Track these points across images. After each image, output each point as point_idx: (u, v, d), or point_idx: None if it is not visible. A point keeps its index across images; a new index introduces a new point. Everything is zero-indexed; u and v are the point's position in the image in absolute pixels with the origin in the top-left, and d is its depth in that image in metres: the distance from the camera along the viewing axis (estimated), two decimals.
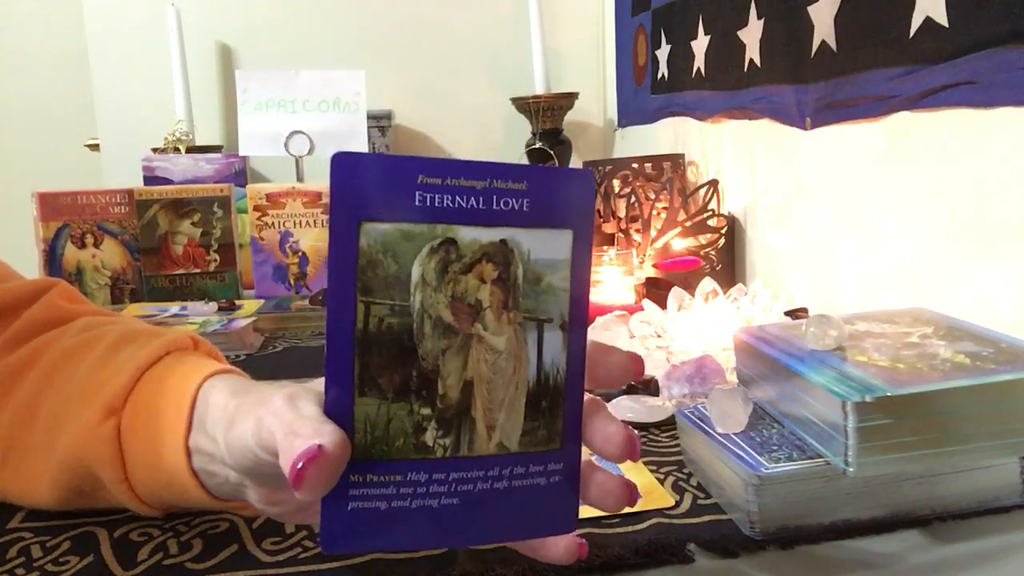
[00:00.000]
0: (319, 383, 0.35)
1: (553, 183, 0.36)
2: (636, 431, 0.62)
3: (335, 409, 0.34)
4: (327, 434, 0.32)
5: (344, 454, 0.33)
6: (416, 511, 0.35)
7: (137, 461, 0.44)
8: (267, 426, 0.35)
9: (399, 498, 0.34)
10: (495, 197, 0.34)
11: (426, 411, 0.35)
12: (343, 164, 0.32)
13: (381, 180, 0.33)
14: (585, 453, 0.38)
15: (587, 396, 0.38)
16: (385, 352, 0.34)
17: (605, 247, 1.06)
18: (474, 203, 0.34)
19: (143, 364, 0.46)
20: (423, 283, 0.34)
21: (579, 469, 0.38)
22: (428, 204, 0.33)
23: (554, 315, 0.36)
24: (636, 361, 0.39)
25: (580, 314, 0.37)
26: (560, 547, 0.39)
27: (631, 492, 0.38)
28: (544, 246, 0.36)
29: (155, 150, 1.56)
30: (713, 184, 1.09)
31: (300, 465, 0.31)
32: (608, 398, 0.66)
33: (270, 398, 0.36)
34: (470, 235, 0.34)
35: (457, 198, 0.34)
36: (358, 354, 0.33)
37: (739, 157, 1.11)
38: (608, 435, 0.37)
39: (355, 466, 0.34)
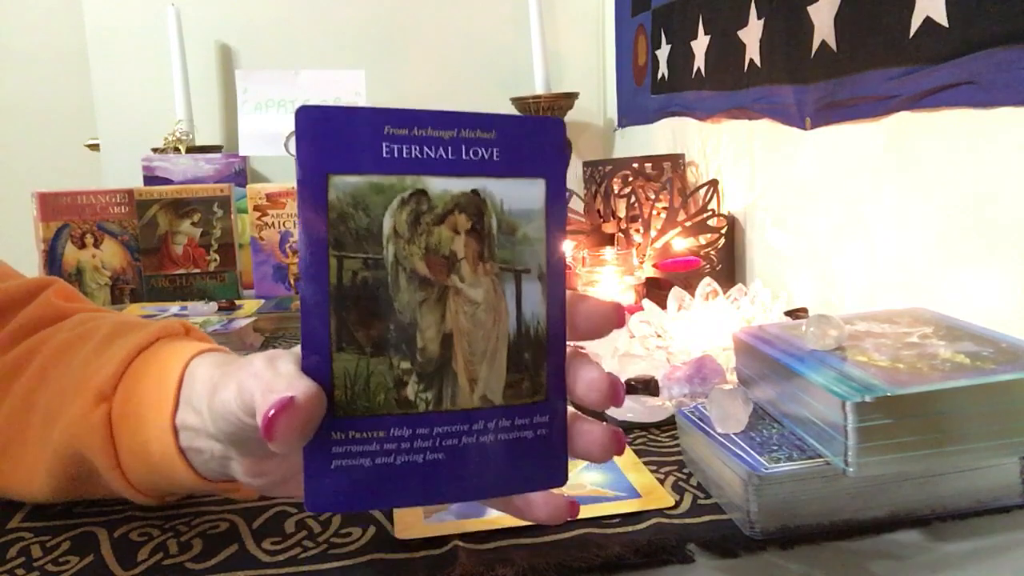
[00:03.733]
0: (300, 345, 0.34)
1: (522, 131, 0.35)
2: (636, 430, 0.62)
3: (313, 366, 0.33)
4: (301, 387, 0.32)
5: (318, 406, 0.32)
6: (401, 467, 0.34)
7: (128, 446, 0.44)
8: (247, 388, 0.35)
9: (383, 455, 0.34)
10: (464, 147, 0.34)
11: (406, 365, 0.34)
12: (308, 117, 0.32)
13: (347, 132, 0.32)
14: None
15: (569, 347, 0.37)
16: (361, 306, 0.33)
17: (605, 247, 1.06)
18: (443, 153, 0.34)
19: (133, 351, 0.46)
20: (395, 235, 0.34)
21: (565, 421, 0.37)
22: (396, 155, 0.33)
23: (531, 266, 0.36)
24: (617, 310, 0.38)
25: (558, 264, 0.36)
26: (549, 507, 0.38)
27: (619, 440, 0.38)
28: (517, 196, 0.35)
29: (155, 150, 1.56)
30: (713, 184, 1.09)
31: (271, 414, 0.31)
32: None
33: (251, 363, 0.36)
34: (441, 186, 0.34)
35: (425, 148, 0.33)
36: (333, 309, 0.33)
37: (739, 157, 1.11)
38: (591, 381, 0.36)
39: (337, 423, 0.33)
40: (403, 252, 0.34)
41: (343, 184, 0.33)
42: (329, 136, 0.32)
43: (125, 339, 0.48)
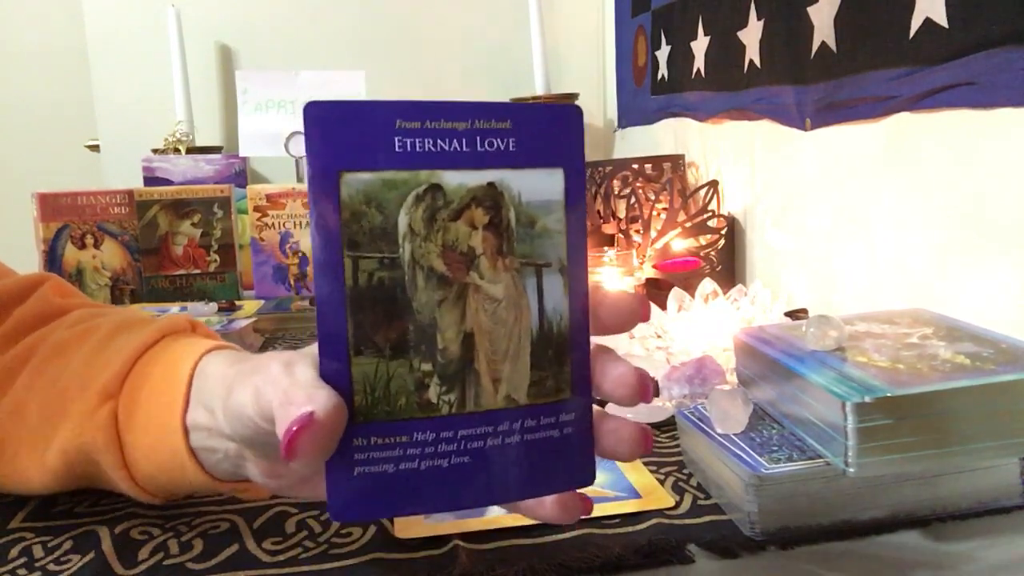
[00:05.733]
0: (316, 347, 0.33)
1: (539, 120, 0.34)
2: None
3: (331, 372, 0.33)
4: (320, 399, 0.31)
5: (338, 419, 0.31)
6: (426, 472, 0.33)
7: (134, 445, 0.43)
8: (264, 394, 0.34)
9: (407, 460, 0.33)
10: (479, 138, 0.33)
11: (427, 367, 0.33)
12: (317, 113, 0.31)
13: (358, 128, 0.32)
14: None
15: (593, 342, 0.36)
16: (378, 308, 0.32)
17: (605, 248, 1.06)
18: (457, 146, 0.33)
19: (139, 348, 0.45)
20: (411, 233, 0.33)
21: (591, 418, 0.36)
22: (409, 150, 0.32)
23: (552, 259, 0.35)
24: (642, 302, 0.36)
25: (579, 257, 0.35)
26: (560, 505, 0.37)
27: (647, 437, 0.36)
28: (535, 187, 0.34)
29: (155, 151, 1.56)
30: (713, 185, 1.09)
31: (292, 433, 0.30)
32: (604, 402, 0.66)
33: (267, 365, 0.35)
34: (456, 179, 0.33)
35: (439, 141, 0.32)
36: (350, 312, 0.32)
37: (739, 157, 1.11)
38: (619, 377, 0.35)
39: (357, 429, 0.32)
40: (420, 250, 0.33)
41: (355, 181, 0.32)
42: (339, 132, 0.31)
43: (129, 336, 0.47)
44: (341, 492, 0.33)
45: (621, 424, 0.36)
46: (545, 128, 0.34)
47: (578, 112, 0.35)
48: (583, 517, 0.39)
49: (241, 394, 0.36)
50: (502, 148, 0.33)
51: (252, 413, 0.35)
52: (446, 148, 0.32)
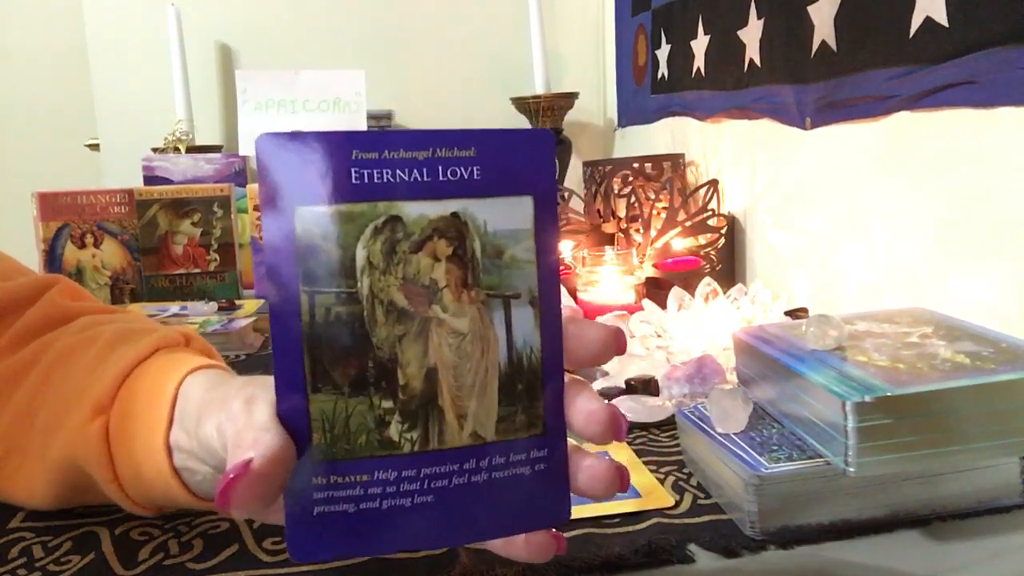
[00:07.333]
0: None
1: (505, 146, 0.33)
2: (636, 430, 0.62)
3: (288, 410, 0.32)
4: (263, 445, 0.30)
5: (278, 466, 0.30)
6: (388, 512, 0.33)
7: (124, 461, 0.44)
8: (224, 432, 0.34)
9: (367, 499, 0.32)
10: (440, 167, 0.32)
11: (388, 404, 0.32)
12: (270, 147, 0.31)
13: (312, 160, 0.31)
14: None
15: (568, 376, 0.35)
16: (336, 344, 0.31)
17: (605, 247, 1.06)
18: (417, 176, 0.32)
19: (131, 362, 0.46)
20: (370, 266, 0.32)
21: (566, 454, 0.35)
22: (366, 181, 0.31)
23: (521, 290, 0.33)
24: (617, 336, 0.35)
25: (551, 287, 0.34)
26: (531, 544, 0.35)
27: (622, 476, 0.35)
28: (502, 216, 0.33)
29: (155, 150, 1.56)
30: (713, 184, 1.09)
31: (227, 482, 0.30)
32: (608, 398, 0.66)
33: (231, 400, 0.35)
34: (417, 211, 0.32)
35: (398, 172, 0.31)
36: (307, 348, 0.31)
37: (739, 157, 1.11)
38: (590, 414, 0.34)
39: (317, 468, 0.32)
40: (379, 284, 0.32)
41: (311, 215, 0.31)
42: (293, 165, 0.31)
43: (125, 348, 0.47)
44: (300, 532, 0.32)
45: (596, 462, 0.35)
46: (512, 155, 0.33)
47: (547, 136, 0.34)
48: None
49: (208, 426, 0.37)
50: (465, 177, 0.32)
51: (218, 447, 0.35)
52: (405, 178, 0.32)
